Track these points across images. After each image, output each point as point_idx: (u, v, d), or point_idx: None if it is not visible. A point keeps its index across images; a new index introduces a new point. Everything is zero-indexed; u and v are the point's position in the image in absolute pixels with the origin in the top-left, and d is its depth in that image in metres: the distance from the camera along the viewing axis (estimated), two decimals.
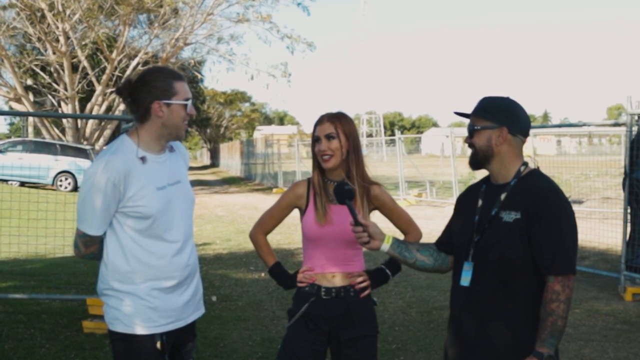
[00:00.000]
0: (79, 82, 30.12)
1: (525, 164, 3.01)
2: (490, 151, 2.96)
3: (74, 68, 29.88)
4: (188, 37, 30.30)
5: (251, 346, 6.74)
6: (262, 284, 9.59)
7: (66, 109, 30.43)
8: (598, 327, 7.38)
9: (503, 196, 2.93)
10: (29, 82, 33.28)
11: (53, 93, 31.53)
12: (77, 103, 30.44)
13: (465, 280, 2.97)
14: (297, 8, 31.02)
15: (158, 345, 3.25)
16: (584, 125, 12.88)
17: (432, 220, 17.29)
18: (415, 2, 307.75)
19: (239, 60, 32.00)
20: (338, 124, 3.60)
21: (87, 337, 6.81)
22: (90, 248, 3.26)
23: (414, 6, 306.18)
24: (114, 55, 28.96)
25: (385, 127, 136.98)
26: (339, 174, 3.64)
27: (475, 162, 3.03)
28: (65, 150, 26.59)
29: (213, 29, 30.98)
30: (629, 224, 9.31)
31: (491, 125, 2.94)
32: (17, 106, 29.30)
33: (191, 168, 47.76)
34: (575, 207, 2.84)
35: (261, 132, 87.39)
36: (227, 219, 18.50)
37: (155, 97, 3.19)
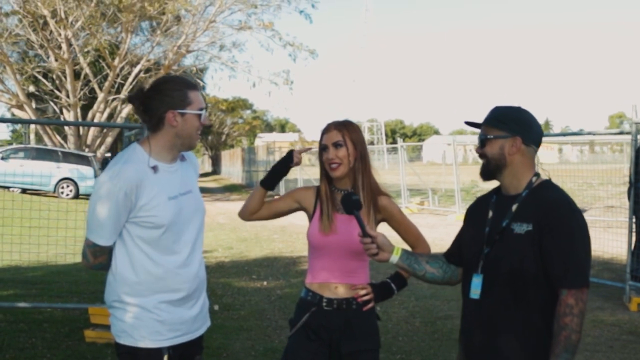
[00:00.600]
0: (81, 89, 30.17)
1: (537, 174, 2.96)
2: (503, 161, 2.91)
3: (76, 75, 29.94)
4: (190, 44, 30.37)
5: (254, 356, 6.69)
6: (264, 293, 9.55)
7: (68, 116, 30.47)
8: (604, 338, 7.32)
9: (514, 207, 2.88)
10: (31, 89, 33.34)
11: (55, 100, 31.59)
12: (79, 110, 30.50)
13: (475, 293, 2.92)
14: (299, 16, 31.14)
15: (165, 358, 3.19)
16: (589, 134, 12.84)
17: (435, 228, 17.25)
18: (417, 10, 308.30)
19: (241, 68, 32.03)
20: (346, 132, 3.57)
21: (88, 347, 6.76)
22: (99, 258, 3.19)
23: (416, 14, 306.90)
24: (116, 62, 29.02)
25: (386, 135, 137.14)
26: (347, 183, 3.61)
27: (487, 172, 2.98)
28: (67, 157, 26.53)
29: (215, 37, 31.05)
30: (634, 234, 9.26)
31: (504, 135, 2.89)
32: (19, 113, 29.38)
33: None
34: None
35: (263, 140, 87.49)
36: (229, 227, 18.46)
37: (170, 107, 3.14)
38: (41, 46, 28.42)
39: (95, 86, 30.14)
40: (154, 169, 3.16)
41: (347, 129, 3.59)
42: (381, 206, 3.62)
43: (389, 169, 33.44)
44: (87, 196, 25.67)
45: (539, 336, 2.77)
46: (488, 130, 2.94)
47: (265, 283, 10.26)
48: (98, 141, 31.37)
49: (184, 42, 29.61)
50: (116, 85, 30.14)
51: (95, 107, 30.13)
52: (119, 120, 29.89)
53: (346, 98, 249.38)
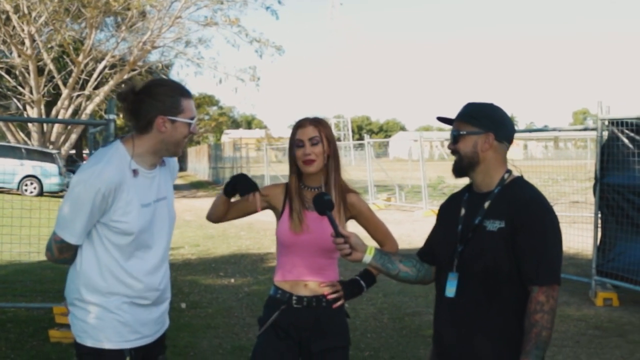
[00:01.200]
0: (45, 86, 29.73)
1: (509, 171, 2.95)
2: (476, 157, 2.89)
3: (40, 71, 29.53)
4: (156, 40, 30.08)
5: (222, 355, 6.64)
6: (231, 290, 9.50)
7: (32, 112, 30.02)
8: (570, 333, 7.38)
9: (487, 204, 2.86)
10: None
11: (18, 96, 31.08)
12: (42, 107, 30.06)
13: (450, 291, 2.90)
14: (265, 12, 30.95)
15: None
16: (555, 130, 12.97)
17: (402, 224, 17.32)
18: (384, 7, 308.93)
19: (207, 64, 31.88)
20: (321, 129, 3.54)
21: (53, 347, 6.66)
22: (65, 254, 3.11)
23: (383, 12, 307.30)
24: (80, 58, 28.69)
25: (353, 131, 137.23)
26: (318, 180, 3.57)
27: (460, 169, 2.96)
28: (31, 154, 26.21)
29: (181, 32, 30.79)
30: (599, 229, 9.35)
31: (477, 131, 2.88)
32: None
33: None
34: None
35: (229, 136, 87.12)
36: (195, 224, 18.35)
37: (161, 112, 3.05)
38: (4, 42, 27.96)
39: (60, 82, 29.75)
40: (134, 172, 3.08)
41: (322, 125, 3.57)
42: (350, 204, 3.60)
43: (355, 165, 33.50)
44: (51, 194, 25.42)
45: (513, 333, 2.76)
46: (461, 126, 2.93)
47: (232, 280, 10.20)
48: (62, 138, 31.01)
49: (150, 38, 29.33)
50: (80, 82, 29.79)
51: (59, 103, 29.75)
52: (84, 117, 29.56)
53: (313, 94, 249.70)
